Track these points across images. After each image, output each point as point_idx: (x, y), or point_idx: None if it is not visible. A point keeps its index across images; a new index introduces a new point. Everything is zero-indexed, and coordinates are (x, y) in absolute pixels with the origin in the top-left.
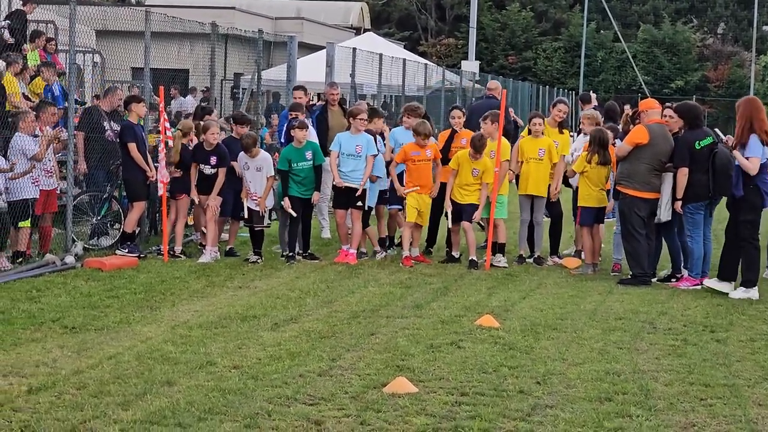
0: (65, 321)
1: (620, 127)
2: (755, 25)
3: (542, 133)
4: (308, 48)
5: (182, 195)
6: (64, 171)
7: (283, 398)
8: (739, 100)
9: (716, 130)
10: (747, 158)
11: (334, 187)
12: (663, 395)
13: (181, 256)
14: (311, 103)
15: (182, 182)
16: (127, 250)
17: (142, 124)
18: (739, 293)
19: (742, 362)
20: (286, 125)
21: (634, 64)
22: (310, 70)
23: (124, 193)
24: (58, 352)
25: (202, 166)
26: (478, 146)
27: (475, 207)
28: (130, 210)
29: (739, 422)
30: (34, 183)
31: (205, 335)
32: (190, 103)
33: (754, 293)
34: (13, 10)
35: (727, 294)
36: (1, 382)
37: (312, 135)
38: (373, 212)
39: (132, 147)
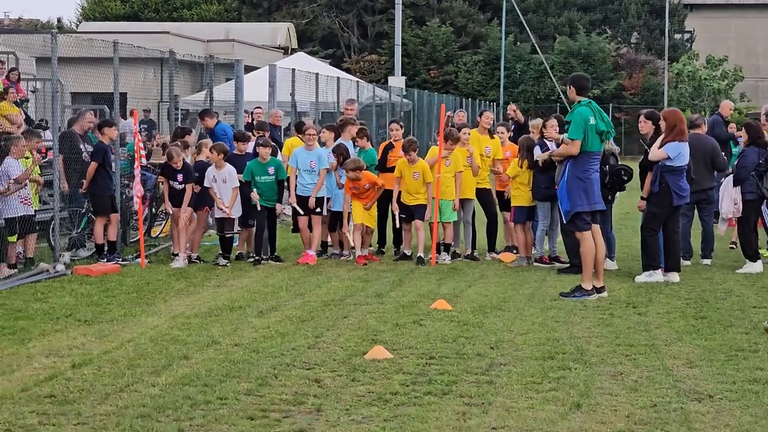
0: (77, 316)
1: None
2: (667, 33)
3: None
4: None
5: (204, 207)
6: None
7: (283, 365)
8: (666, 110)
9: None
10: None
11: (297, 196)
12: (595, 354)
13: (198, 261)
14: (247, 121)
15: (203, 196)
16: (106, 260)
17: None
18: (644, 277)
19: (660, 328)
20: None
21: (551, 75)
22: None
23: None
24: (82, 338)
25: (171, 182)
26: (407, 148)
27: (424, 207)
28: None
29: (658, 370)
30: (21, 202)
31: (203, 322)
32: (129, 124)
33: (658, 276)
34: None
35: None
36: (46, 361)
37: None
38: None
39: (92, 166)
